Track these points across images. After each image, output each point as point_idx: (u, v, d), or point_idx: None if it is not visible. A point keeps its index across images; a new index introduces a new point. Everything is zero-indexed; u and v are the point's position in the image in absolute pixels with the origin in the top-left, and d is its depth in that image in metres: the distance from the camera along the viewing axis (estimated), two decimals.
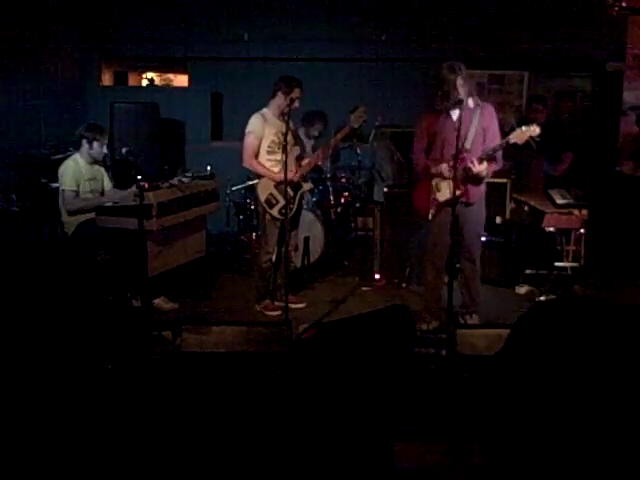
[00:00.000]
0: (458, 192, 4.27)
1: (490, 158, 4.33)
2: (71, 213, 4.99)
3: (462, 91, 4.23)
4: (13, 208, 5.61)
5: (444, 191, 4.40)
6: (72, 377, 3.62)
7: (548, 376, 2.51)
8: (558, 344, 2.55)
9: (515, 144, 4.23)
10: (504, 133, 4.55)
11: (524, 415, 2.51)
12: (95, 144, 5.05)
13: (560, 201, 5.20)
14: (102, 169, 5.26)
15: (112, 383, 3.59)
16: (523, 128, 4.17)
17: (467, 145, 4.32)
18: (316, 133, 6.61)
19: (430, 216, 4.50)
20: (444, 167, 4.35)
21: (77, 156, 5.10)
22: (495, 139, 4.42)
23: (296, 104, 4.88)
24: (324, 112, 6.45)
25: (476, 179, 4.37)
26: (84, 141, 5.06)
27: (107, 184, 5.27)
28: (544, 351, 2.57)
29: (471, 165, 4.26)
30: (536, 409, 2.48)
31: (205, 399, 3.35)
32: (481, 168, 4.28)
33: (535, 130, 4.15)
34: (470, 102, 4.34)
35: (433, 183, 4.47)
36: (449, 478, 2.69)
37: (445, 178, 4.36)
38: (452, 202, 4.16)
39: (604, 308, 2.73)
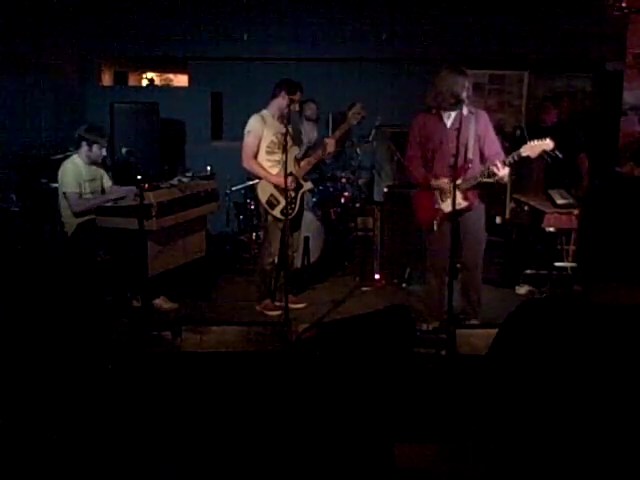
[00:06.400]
0: (466, 203, 4.23)
1: (512, 164, 4.26)
2: (78, 214, 4.97)
3: (465, 94, 4.22)
4: (13, 208, 5.61)
5: (449, 202, 4.24)
6: (72, 377, 3.62)
7: (535, 373, 2.52)
8: (545, 342, 2.56)
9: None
10: (503, 135, 4.53)
11: (514, 412, 2.52)
12: (95, 147, 5.02)
13: (560, 201, 5.19)
14: (100, 169, 5.25)
15: (112, 383, 3.59)
16: (535, 142, 4.13)
17: (470, 155, 4.28)
18: (312, 115, 6.59)
19: (435, 227, 4.42)
20: (445, 182, 4.30)
21: (75, 157, 5.07)
22: (494, 145, 4.38)
23: (296, 107, 4.90)
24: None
25: (479, 185, 4.34)
26: (84, 143, 5.02)
27: (107, 183, 5.26)
28: (531, 348, 2.58)
29: (495, 169, 4.17)
30: (524, 406, 2.49)
31: (205, 399, 3.35)
32: (505, 172, 4.21)
33: (549, 144, 4.11)
34: (464, 109, 4.19)
35: (437, 193, 4.40)
36: (448, 478, 2.69)
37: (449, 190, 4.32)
38: (457, 213, 4.07)
39: (592, 307, 2.75)
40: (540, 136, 5.41)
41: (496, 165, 4.18)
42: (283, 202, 4.83)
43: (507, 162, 4.20)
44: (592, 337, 2.51)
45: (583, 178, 6.00)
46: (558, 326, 2.60)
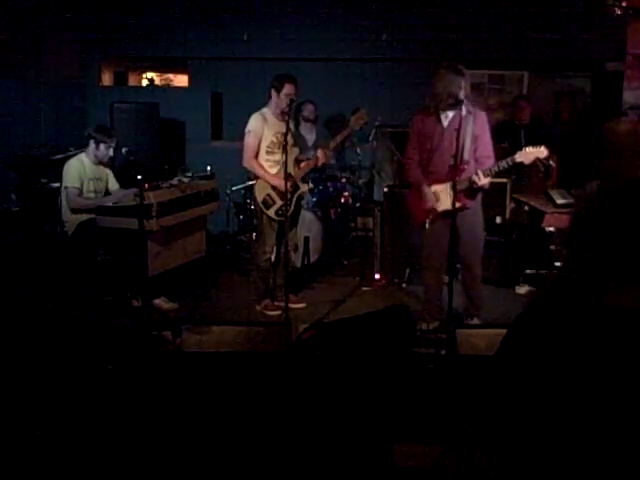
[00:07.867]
0: (458, 204, 4.23)
1: (494, 174, 4.31)
2: (74, 211, 5.00)
3: (463, 93, 4.21)
4: (13, 208, 5.62)
5: (443, 201, 4.33)
6: (72, 377, 3.62)
7: (544, 375, 2.51)
8: (555, 343, 2.55)
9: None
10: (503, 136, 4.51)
11: (521, 415, 2.51)
12: (102, 146, 5.09)
13: (560, 201, 5.20)
14: (107, 170, 5.28)
15: (112, 383, 3.59)
16: (529, 149, 4.14)
17: (465, 156, 4.28)
18: (310, 116, 6.57)
19: (427, 225, 4.46)
20: (436, 191, 4.37)
21: (82, 155, 5.14)
22: (487, 147, 4.39)
23: (293, 102, 4.89)
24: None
25: (476, 191, 4.36)
26: (91, 141, 5.10)
27: (113, 185, 5.29)
28: (541, 350, 2.57)
29: (476, 178, 4.21)
30: (533, 409, 2.48)
31: (205, 399, 3.35)
32: (486, 182, 4.25)
33: (543, 152, 4.12)
34: (463, 109, 4.17)
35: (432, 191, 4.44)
36: (449, 479, 2.69)
37: (441, 189, 4.34)
38: (450, 212, 4.09)
39: (600, 309, 2.75)
40: (515, 133, 5.39)
41: (477, 174, 4.21)
42: (279, 203, 4.84)
43: (488, 173, 4.23)
44: (603, 340, 2.50)
45: (551, 177, 6.02)
46: (569, 328, 2.60)
